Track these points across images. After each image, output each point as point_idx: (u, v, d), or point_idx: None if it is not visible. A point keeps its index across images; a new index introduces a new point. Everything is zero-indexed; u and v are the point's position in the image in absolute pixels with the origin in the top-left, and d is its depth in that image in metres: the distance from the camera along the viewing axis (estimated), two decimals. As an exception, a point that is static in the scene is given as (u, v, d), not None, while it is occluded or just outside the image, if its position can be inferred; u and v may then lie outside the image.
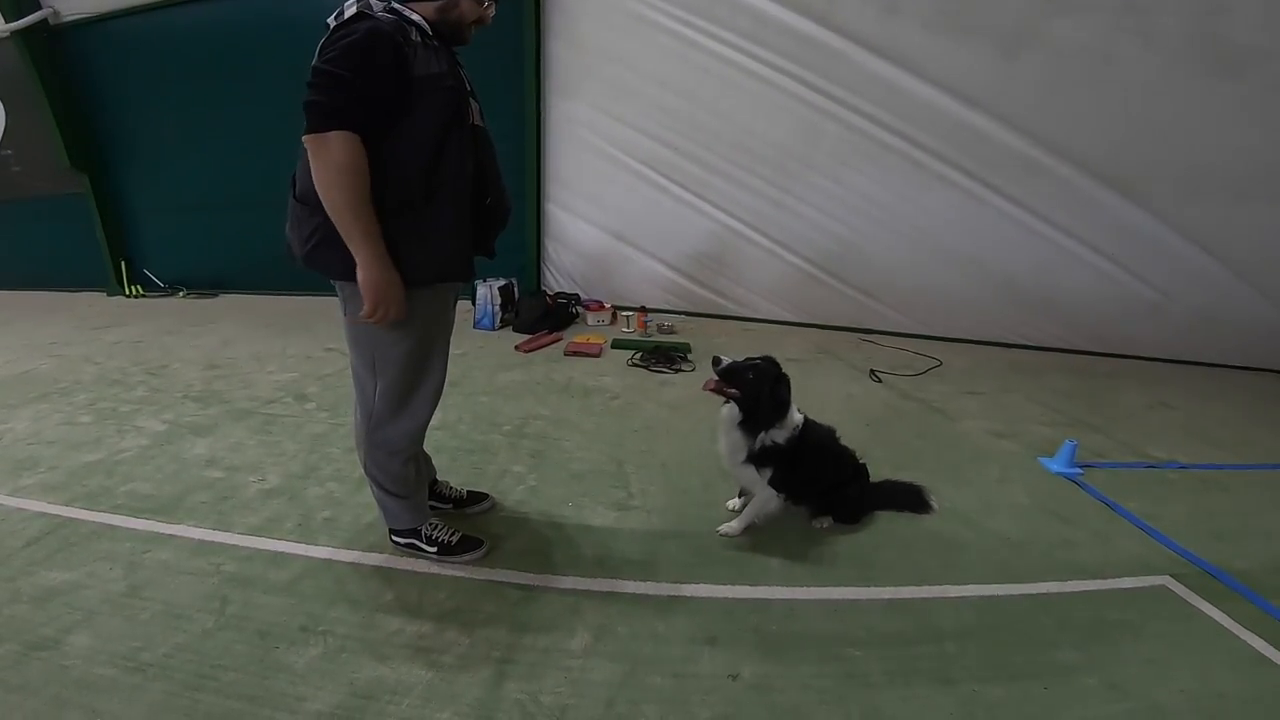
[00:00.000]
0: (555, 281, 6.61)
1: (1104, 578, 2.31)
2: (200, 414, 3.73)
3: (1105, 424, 3.75)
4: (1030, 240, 5.05)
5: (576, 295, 6.22)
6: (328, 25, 1.72)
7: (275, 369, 4.58)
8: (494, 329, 5.74)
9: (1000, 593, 2.21)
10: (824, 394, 4.10)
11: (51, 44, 7.13)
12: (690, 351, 4.91)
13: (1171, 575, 2.32)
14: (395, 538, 2.35)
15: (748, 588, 2.20)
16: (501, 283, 5.82)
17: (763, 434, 2.29)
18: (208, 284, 7.83)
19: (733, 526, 2.50)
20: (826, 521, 2.56)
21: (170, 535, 2.47)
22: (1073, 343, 5.29)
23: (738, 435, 2.33)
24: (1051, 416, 3.84)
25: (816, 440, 2.46)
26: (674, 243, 6.03)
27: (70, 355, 5.06)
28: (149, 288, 7.98)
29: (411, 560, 2.30)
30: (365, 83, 1.65)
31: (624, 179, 5.94)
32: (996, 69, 4.70)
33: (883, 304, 5.63)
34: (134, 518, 2.60)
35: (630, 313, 5.69)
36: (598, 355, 4.93)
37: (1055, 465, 3.12)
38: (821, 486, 2.51)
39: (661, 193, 5.85)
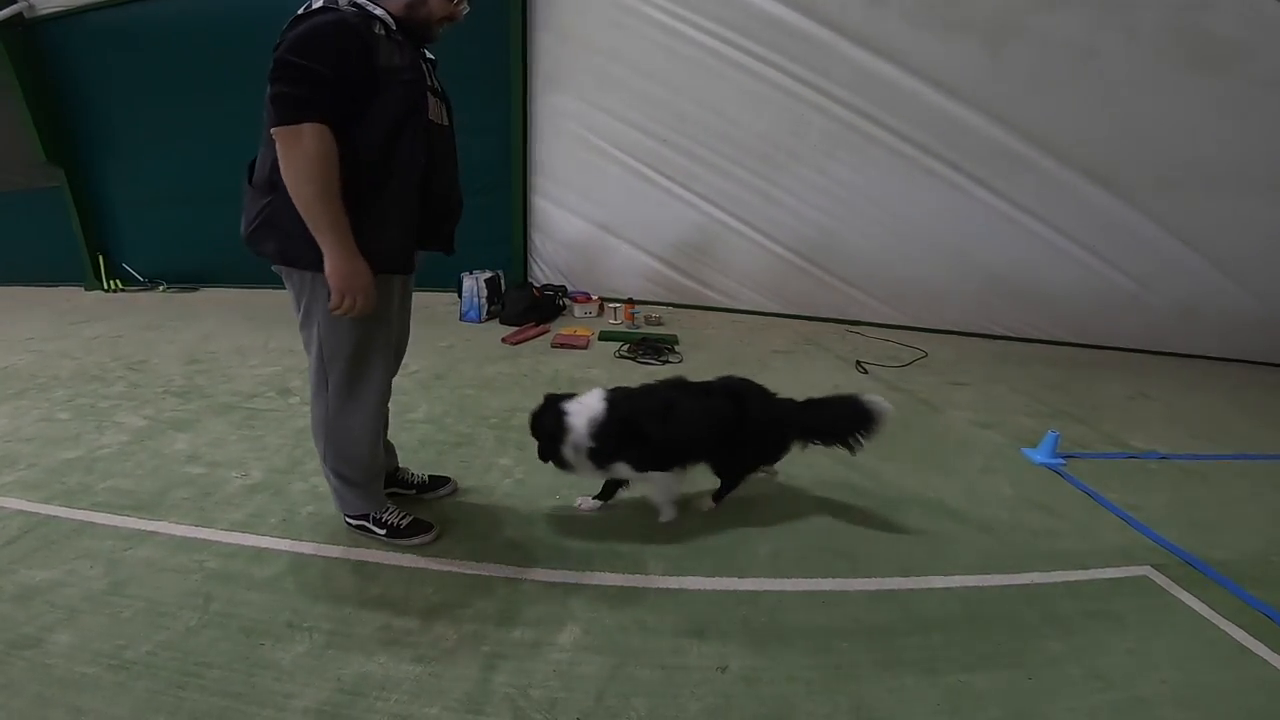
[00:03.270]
0: (542, 274, 6.59)
1: (1087, 568, 2.33)
2: (181, 409, 3.68)
3: (1087, 414, 3.80)
4: (1013, 232, 5.10)
5: (563, 287, 6.19)
6: (295, 15, 1.73)
7: (258, 363, 4.53)
8: (480, 321, 5.71)
9: (985, 583, 2.23)
10: (810, 385, 4.11)
11: (26, 37, 7.01)
12: (678, 343, 4.91)
13: (1153, 565, 2.35)
14: (348, 520, 2.39)
15: (735, 580, 2.21)
16: (488, 275, 5.80)
17: (569, 457, 2.28)
18: (188, 278, 7.74)
19: (666, 514, 2.49)
20: (773, 471, 2.53)
21: (152, 532, 2.44)
22: (1055, 334, 5.35)
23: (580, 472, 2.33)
24: (1035, 407, 3.88)
25: (640, 408, 2.32)
26: (661, 234, 6.03)
27: (48, 351, 4.97)
28: (128, 282, 7.87)
29: (398, 555, 2.29)
30: (331, 73, 1.66)
31: (610, 171, 5.92)
32: (980, 63, 4.73)
33: (868, 295, 5.66)
34: (115, 515, 2.56)
35: (617, 305, 5.68)
36: (585, 347, 4.92)
37: (1038, 456, 3.15)
38: (693, 446, 2.38)
39: (648, 184, 5.85)
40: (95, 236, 7.87)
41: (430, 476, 2.72)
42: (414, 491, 2.66)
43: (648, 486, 2.47)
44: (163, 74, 6.87)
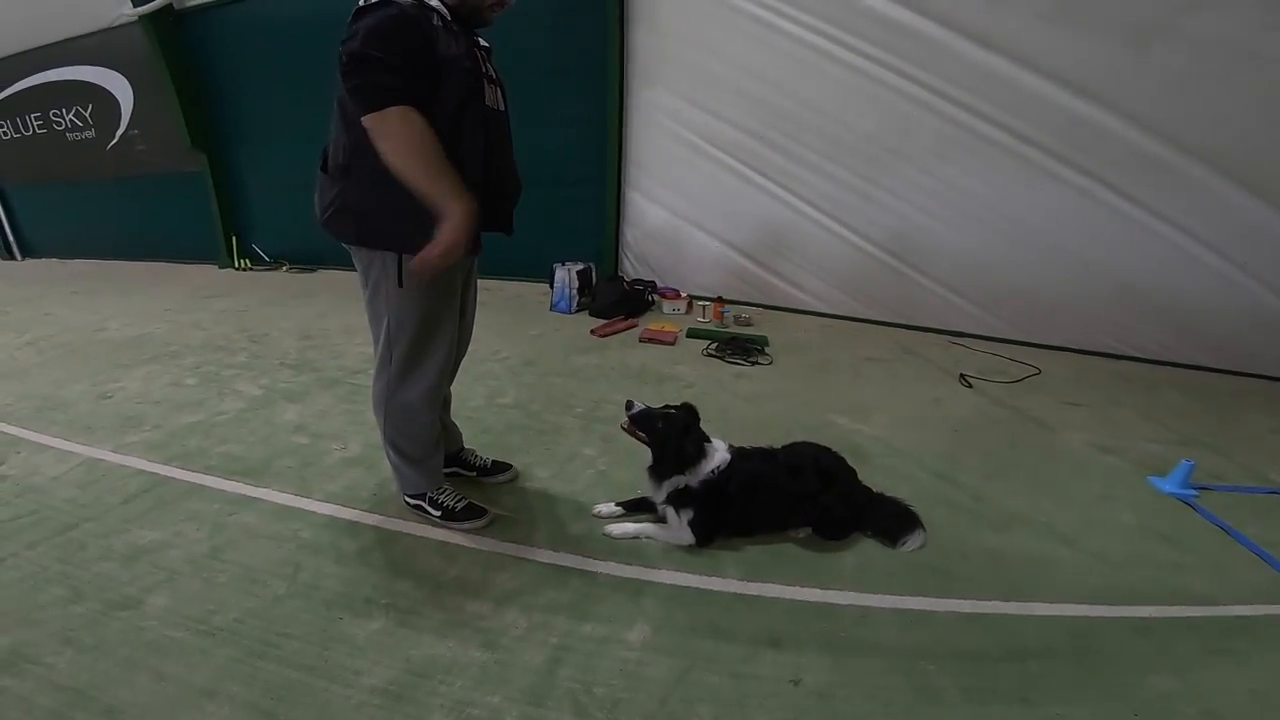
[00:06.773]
0: (633, 268, 6.59)
1: (1212, 604, 2.11)
2: (293, 380, 3.90)
3: (1224, 445, 3.43)
4: (1150, 242, 4.65)
5: (653, 283, 6.17)
6: (357, 7, 1.79)
7: (363, 341, 4.71)
8: (570, 312, 5.77)
9: (1096, 614, 2.04)
10: (907, 395, 3.92)
11: (175, 29, 7.57)
12: (768, 344, 4.79)
13: (1290, 608, 2.09)
14: (406, 498, 2.45)
15: (818, 590, 2.11)
16: (580, 267, 5.84)
17: (672, 478, 2.22)
18: (308, 259, 8.21)
19: (625, 529, 2.38)
20: (805, 531, 2.37)
21: (255, 498, 2.58)
22: (1190, 356, 4.86)
23: (648, 478, 2.29)
24: (1163, 434, 3.53)
25: (751, 472, 2.27)
26: (754, 233, 5.89)
27: (182, 322, 5.40)
28: (256, 261, 8.45)
29: (478, 538, 2.32)
30: (400, 61, 1.72)
31: (705, 167, 5.84)
32: (1121, 62, 4.33)
33: (975, 305, 5.33)
34: (224, 478, 2.73)
35: (706, 303, 5.60)
36: (672, 343, 4.88)
37: (1167, 485, 2.86)
38: (772, 517, 2.35)
39: (743, 182, 5.73)
40: (231, 218, 8.48)
41: (494, 461, 2.77)
42: (474, 474, 2.72)
43: (658, 527, 2.38)
44: (292, 66, 7.23)
